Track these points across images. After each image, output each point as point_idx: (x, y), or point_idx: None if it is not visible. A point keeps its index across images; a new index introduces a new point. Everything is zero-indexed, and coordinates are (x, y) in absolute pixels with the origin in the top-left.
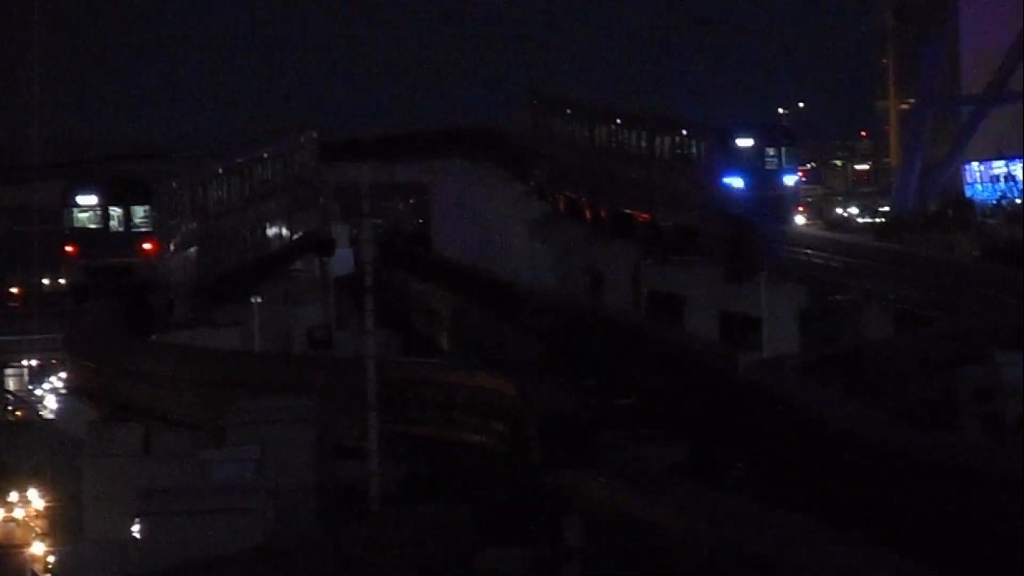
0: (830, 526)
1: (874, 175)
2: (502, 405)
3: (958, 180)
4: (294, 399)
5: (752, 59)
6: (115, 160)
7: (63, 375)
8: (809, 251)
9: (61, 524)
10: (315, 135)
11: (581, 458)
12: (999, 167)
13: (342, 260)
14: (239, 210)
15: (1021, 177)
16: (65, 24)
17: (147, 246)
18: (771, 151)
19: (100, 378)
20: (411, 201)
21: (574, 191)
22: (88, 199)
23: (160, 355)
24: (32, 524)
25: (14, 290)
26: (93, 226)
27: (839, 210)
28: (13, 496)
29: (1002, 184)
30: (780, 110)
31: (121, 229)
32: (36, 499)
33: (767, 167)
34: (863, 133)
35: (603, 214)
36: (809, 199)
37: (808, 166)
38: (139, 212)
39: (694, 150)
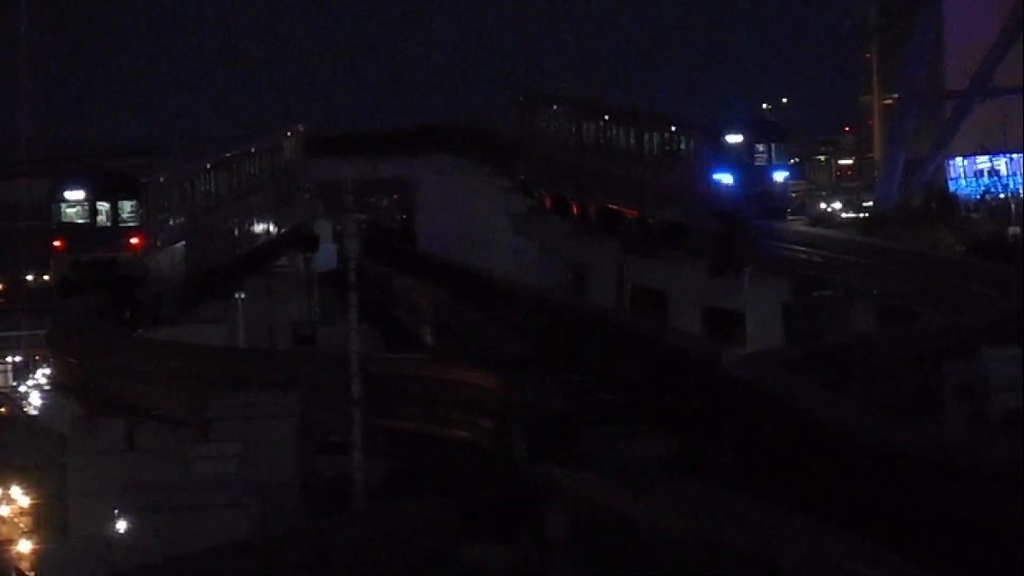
0: (816, 520)
1: (858, 170)
2: (486, 400)
3: (942, 175)
4: (278, 395)
5: (736, 54)
6: (102, 157)
7: (47, 371)
8: (793, 246)
9: (46, 521)
10: (301, 129)
11: (565, 453)
12: (983, 162)
13: (326, 256)
14: (226, 205)
15: (1005, 172)
16: (51, 22)
17: (134, 241)
18: (761, 147)
19: (84, 374)
20: (395, 197)
21: (561, 187)
22: (75, 194)
23: (144, 351)
24: (17, 521)
25: None
26: (80, 221)
27: (823, 205)
28: None
29: (986, 179)
30: (764, 105)
31: (108, 224)
32: (21, 496)
33: (757, 163)
34: (847, 128)
35: (592, 210)
36: (793, 194)
37: (792, 161)
38: (126, 207)
39: (683, 146)
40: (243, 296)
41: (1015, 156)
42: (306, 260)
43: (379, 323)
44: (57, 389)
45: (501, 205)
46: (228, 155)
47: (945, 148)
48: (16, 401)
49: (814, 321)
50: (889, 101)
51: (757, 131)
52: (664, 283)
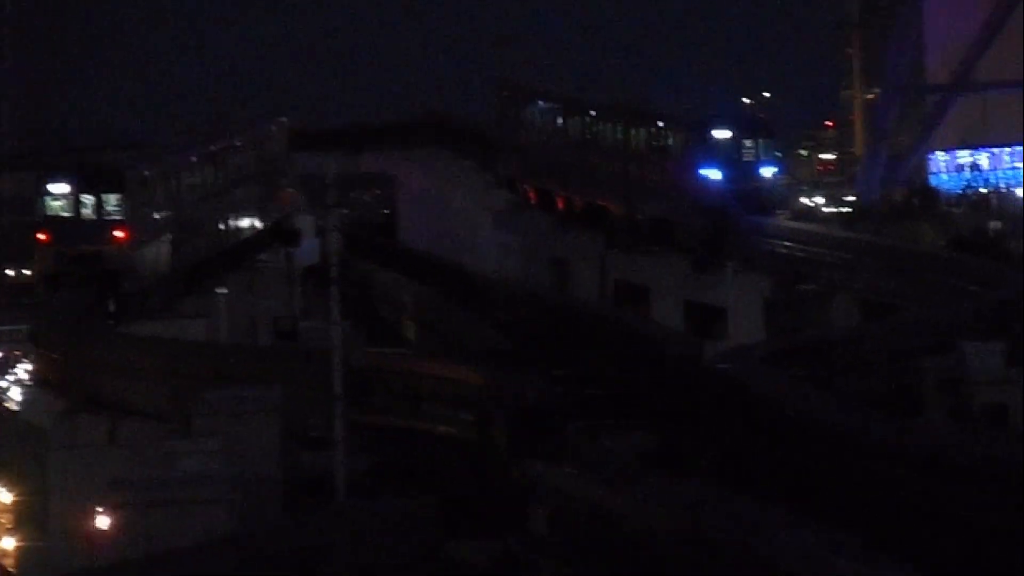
0: (796, 514)
1: (839, 165)
2: (469, 395)
3: (923, 169)
4: (260, 390)
5: (717, 49)
6: (87, 151)
7: (29, 366)
8: (775, 241)
9: (28, 517)
10: (285, 120)
11: (548, 448)
12: (964, 156)
13: (308, 250)
14: (211, 198)
15: (986, 166)
16: (35, 16)
17: (119, 234)
18: (748, 143)
19: (66, 369)
20: (377, 192)
21: (544, 182)
22: (60, 187)
23: (126, 346)
24: (0, 519)
25: None
26: (65, 214)
27: (805, 200)
28: None
29: (967, 173)
30: (745, 100)
31: (93, 217)
32: (3, 493)
33: (744, 159)
34: (828, 123)
35: (578, 205)
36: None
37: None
38: (111, 200)
39: (671, 142)
40: (225, 291)
41: (996, 150)
42: (288, 255)
43: (361, 318)
44: (39, 384)
45: (483, 200)
46: (213, 148)
47: (926, 143)
48: None
49: (796, 316)
50: (871, 96)
51: (745, 127)
52: (647, 278)
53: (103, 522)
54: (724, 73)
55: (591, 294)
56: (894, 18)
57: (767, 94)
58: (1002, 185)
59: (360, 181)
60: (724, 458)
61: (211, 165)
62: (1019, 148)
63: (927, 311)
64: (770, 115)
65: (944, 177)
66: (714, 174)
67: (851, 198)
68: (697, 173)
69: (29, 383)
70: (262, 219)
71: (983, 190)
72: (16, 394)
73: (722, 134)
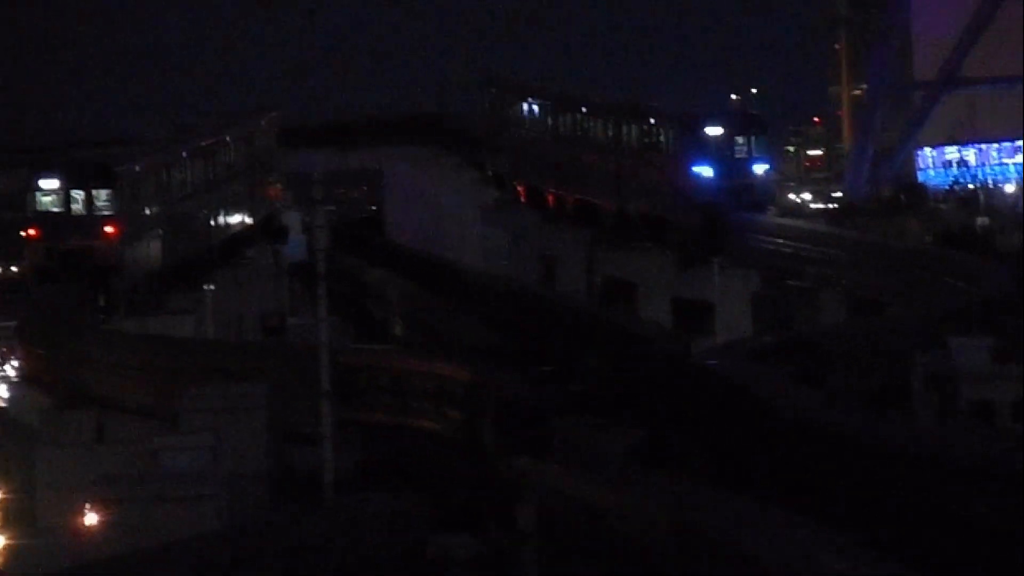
0: (785, 510)
1: (827, 161)
2: (456, 392)
3: (911, 166)
4: (247, 386)
5: (705, 45)
6: (78, 147)
7: (15, 363)
8: (762, 237)
9: (15, 514)
10: (275, 114)
11: (535, 444)
12: (951, 153)
13: (295, 247)
14: (202, 194)
15: (973, 162)
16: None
17: (109, 229)
18: (741, 140)
19: (53, 366)
20: (365, 188)
21: (534, 178)
22: (51, 183)
23: (113, 342)
24: None
25: None
26: (56, 209)
27: (792, 196)
28: None
29: (955, 170)
30: (732, 96)
31: (84, 212)
32: None
33: (737, 156)
34: (816, 119)
35: (569, 202)
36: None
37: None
38: (102, 195)
39: (662, 138)
40: (212, 287)
41: (984, 146)
42: (275, 251)
43: (349, 314)
44: (26, 381)
45: (470, 196)
46: (203, 144)
47: (914, 139)
48: None
49: (784, 312)
50: (858, 92)
51: (737, 124)
52: (634, 274)
53: (91, 519)
54: (712, 69)
55: (579, 290)
56: (881, 15)
57: (754, 90)
58: (989, 181)
59: (348, 177)
60: (712, 454)
61: (201, 160)
62: (1007, 144)
63: (914, 307)
64: (758, 111)
65: (931, 173)
66: (706, 171)
67: (838, 194)
68: (689, 170)
69: (16, 379)
70: (251, 215)
71: (971, 186)
72: (3, 390)
73: (714, 130)
